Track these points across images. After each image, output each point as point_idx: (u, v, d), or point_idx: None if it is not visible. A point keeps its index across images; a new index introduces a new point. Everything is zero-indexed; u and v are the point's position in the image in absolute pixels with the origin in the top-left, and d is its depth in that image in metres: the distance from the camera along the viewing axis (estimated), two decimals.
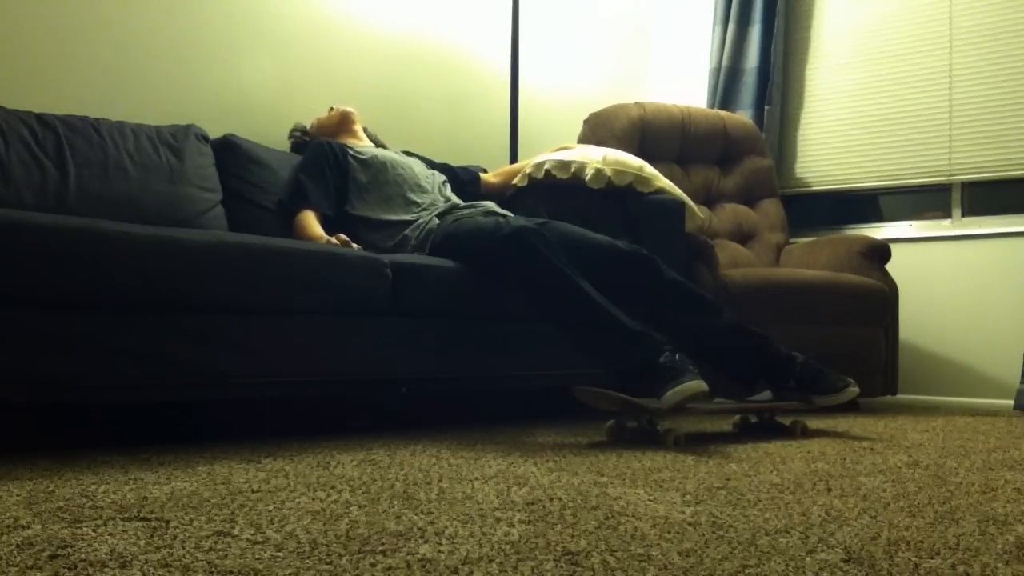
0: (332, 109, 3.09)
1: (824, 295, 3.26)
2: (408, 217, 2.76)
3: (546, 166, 3.01)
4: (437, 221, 2.71)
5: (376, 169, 2.86)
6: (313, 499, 1.38)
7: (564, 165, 2.98)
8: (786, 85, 4.26)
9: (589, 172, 2.93)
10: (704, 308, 2.48)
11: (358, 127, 3.08)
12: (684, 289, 2.51)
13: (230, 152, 2.84)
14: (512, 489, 1.48)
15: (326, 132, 3.04)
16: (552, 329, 2.35)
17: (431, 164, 3.07)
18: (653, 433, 2.15)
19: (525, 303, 2.37)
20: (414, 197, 2.82)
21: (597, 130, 3.75)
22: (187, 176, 2.66)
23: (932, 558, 1.06)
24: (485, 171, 3.32)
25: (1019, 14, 3.75)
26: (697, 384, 2.05)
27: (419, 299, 2.38)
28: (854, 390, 2.36)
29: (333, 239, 2.46)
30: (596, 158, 2.98)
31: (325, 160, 2.83)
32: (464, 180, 3.14)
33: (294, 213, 2.72)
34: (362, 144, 3.01)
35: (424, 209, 2.79)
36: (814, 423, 2.65)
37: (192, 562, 1.00)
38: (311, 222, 2.68)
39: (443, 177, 3.00)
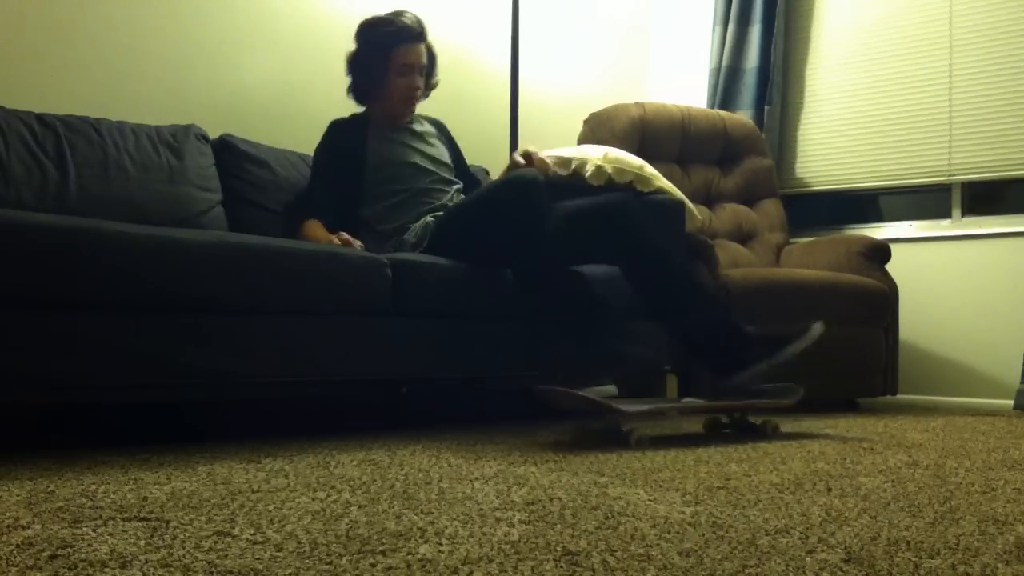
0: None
1: (824, 295, 3.26)
2: (408, 220, 2.73)
3: None
4: (431, 219, 2.68)
5: (388, 171, 2.78)
6: (313, 499, 1.38)
7: (565, 162, 2.99)
8: (786, 85, 4.26)
9: (590, 169, 2.94)
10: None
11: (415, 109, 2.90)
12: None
13: (227, 152, 2.84)
14: (512, 489, 1.48)
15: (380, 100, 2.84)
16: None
17: (458, 158, 2.97)
18: (619, 433, 2.11)
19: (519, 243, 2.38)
20: (422, 200, 2.75)
21: (597, 130, 3.75)
22: (187, 176, 2.66)
23: (932, 558, 1.06)
24: (487, 172, 3.31)
25: (1019, 14, 3.75)
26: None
27: (419, 299, 2.38)
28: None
29: (335, 239, 2.45)
30: (597, 156, 2.99)
31: (338, 150, 2.74)
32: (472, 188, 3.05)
33: (300, 219, 2.68)
34: (391, 132, 2.84)
35: (428, 213, 2.74)
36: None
37: (192, 562, 1.00)
38: (316, 229, 2.62)
39: (459, 185, 2.89)
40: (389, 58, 2.75)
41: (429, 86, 2.89)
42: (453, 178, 2.90)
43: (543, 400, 2.19)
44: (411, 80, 2.78)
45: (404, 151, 2.81)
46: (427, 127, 2.95)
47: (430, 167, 2.83)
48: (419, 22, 2.81)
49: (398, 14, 2.80)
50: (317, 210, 2.68)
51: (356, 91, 2.86)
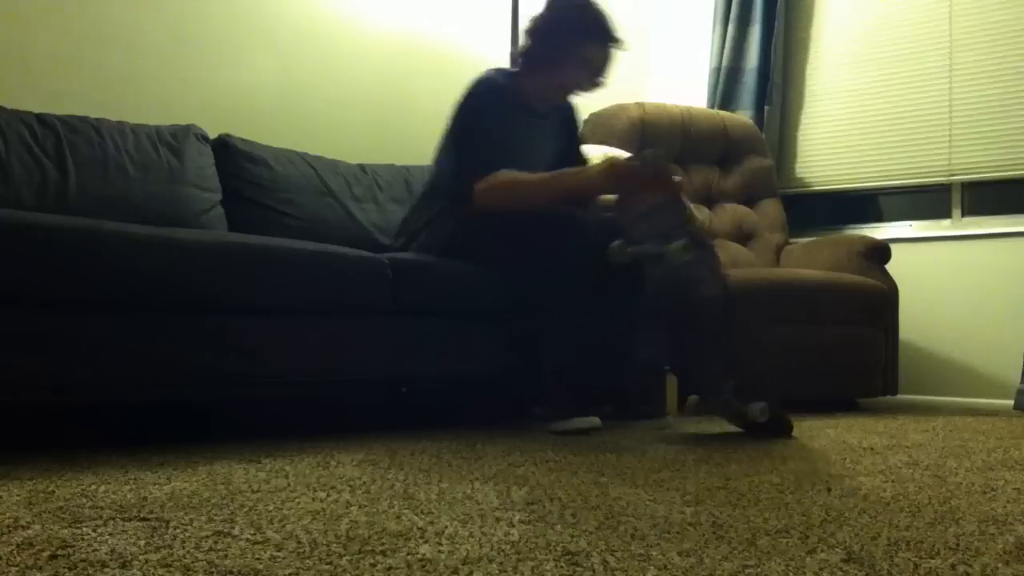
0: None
1: (824, 295, 3.26)
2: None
3: None
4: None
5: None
6: (313, 499, 1.38)
7: None
8: (786, 85, 4.26)
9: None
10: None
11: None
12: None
13: (227, 152, 2.84)
14: (512, 489, 1.48)
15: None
16: None
17: (569, 147, 2.82)
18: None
19: None
20: None
21: (597, 130, 3.75)
22: (187, 176, 2.66)
23: (932, 558, 1.06)
24: None
25: (1019, 14, 3.75)
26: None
27: (419, 299, 2.38)
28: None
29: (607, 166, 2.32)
30: (597, 156, 3.00)
31: (499, 107, 2.55)
32: None
33: (480, 179, 2.47)
34: (526, 116, 2.67)
35: None
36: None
37: (192, 562, 1.00)
38: (523, 174, 2.43)
39: None
40: (578, 47, 2.57)
41: (596, 84, 2.68)
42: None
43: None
44: (581, 77, 2.62)
45: (524, 152, 2.62)
46: (554, 121, 2.78)
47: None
48: (617, 26, 2.62)
49: (603, 9, 2.60)
50: (504, 161, 2.48)
51: (528, 58, 2.64)
